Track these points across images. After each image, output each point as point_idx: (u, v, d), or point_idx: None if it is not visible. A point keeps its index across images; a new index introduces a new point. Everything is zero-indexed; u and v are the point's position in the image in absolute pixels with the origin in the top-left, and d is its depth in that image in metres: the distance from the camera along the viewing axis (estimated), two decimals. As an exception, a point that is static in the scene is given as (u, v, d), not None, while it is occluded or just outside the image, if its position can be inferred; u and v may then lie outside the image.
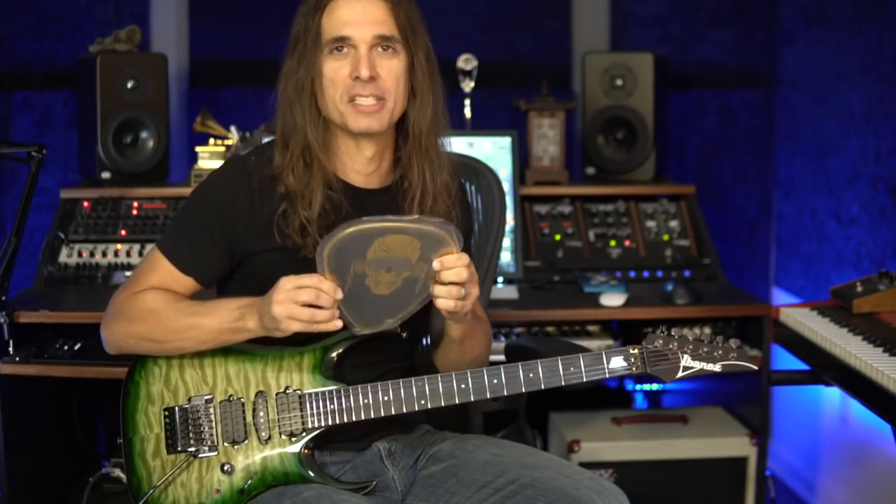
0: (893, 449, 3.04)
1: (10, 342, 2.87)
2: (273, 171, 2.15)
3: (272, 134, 2.21)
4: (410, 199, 2.19)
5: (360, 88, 2.11)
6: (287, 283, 2.01)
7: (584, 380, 2.08)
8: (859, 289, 2.85)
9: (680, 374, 2.09)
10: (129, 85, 3.48)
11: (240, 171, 2.17)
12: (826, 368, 2.71)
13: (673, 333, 2.10)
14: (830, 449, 3.76)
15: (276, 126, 2.19)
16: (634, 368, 2.09)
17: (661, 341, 2.09)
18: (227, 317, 2.09)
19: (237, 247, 2.16)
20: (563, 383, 2.08)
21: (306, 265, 2.07)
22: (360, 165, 2.20)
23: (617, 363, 2.09)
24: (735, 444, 3.24)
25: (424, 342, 2.38)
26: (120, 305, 2.18)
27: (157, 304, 2.14)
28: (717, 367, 2.10)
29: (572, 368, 2.08)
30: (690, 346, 2.09)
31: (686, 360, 2.09)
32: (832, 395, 3.57)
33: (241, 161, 2.20)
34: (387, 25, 2.12)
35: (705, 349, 2.09)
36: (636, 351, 2.09)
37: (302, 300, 1.99)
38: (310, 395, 2.10)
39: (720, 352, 2.10)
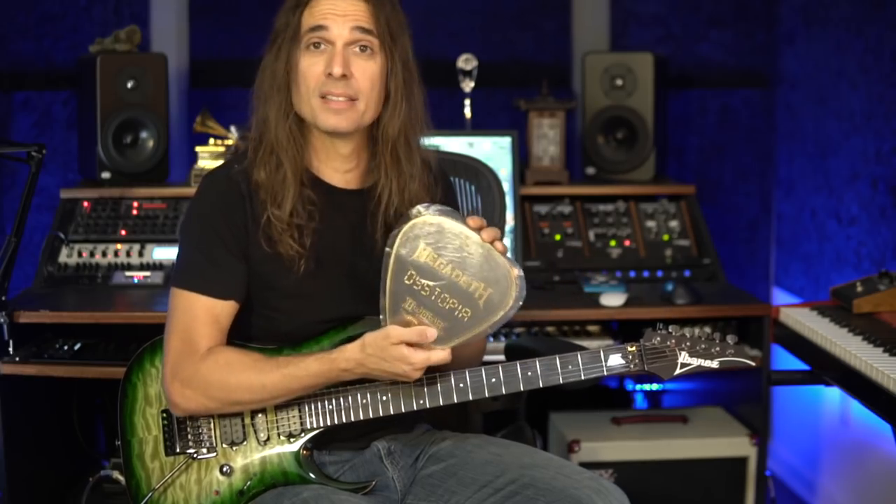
0: (893, 449, 3.03)
1: (10, 342, 2.87)
2: (247, 168, 2.13)
3: (247, 132, 2.20)
4: (380, 205, 2.16)
5: (333, 86, 2.09)
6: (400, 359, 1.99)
7: (583, 378, 2.08)
8: (859, 289, 2.85)
9: (678, 372, 2.09)
10: (129, 85, 3.48)
11: (226, 182, 2.14)
12: (826, 368, 2.71)
13: (671, 330, 2.10)
14: (830, 449, 3.76)
15: (252, 124, 2.17)
16: (632, 366, 2.09)
17: (658, 338, 2.09)
18: (318, 365, 2.04)
19: (246, 252, 2.12)
20: (561, 381, 2.08)
21: (292, 272, 2.08)
22: (336, 163, 2.18)
23: (615, 361, 2.09)
24: (735, 444, 3.23)
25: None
26: (189, 375, 2.05)
27: (236, 367, 2.05)
28: (714, 364, 2.09)
29: (570, 366, 2.08)
30: (688, 343, 2.09)
31: (684, 357, 2.09)
32: (832, 395, 3.57)
33: (224, 171, 2.17)
34: (365, 20, 2.10)
35: (703, 346, 2.09)
36: (634, 349, 2.09)
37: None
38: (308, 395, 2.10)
39: (718, 348, 2.10)
